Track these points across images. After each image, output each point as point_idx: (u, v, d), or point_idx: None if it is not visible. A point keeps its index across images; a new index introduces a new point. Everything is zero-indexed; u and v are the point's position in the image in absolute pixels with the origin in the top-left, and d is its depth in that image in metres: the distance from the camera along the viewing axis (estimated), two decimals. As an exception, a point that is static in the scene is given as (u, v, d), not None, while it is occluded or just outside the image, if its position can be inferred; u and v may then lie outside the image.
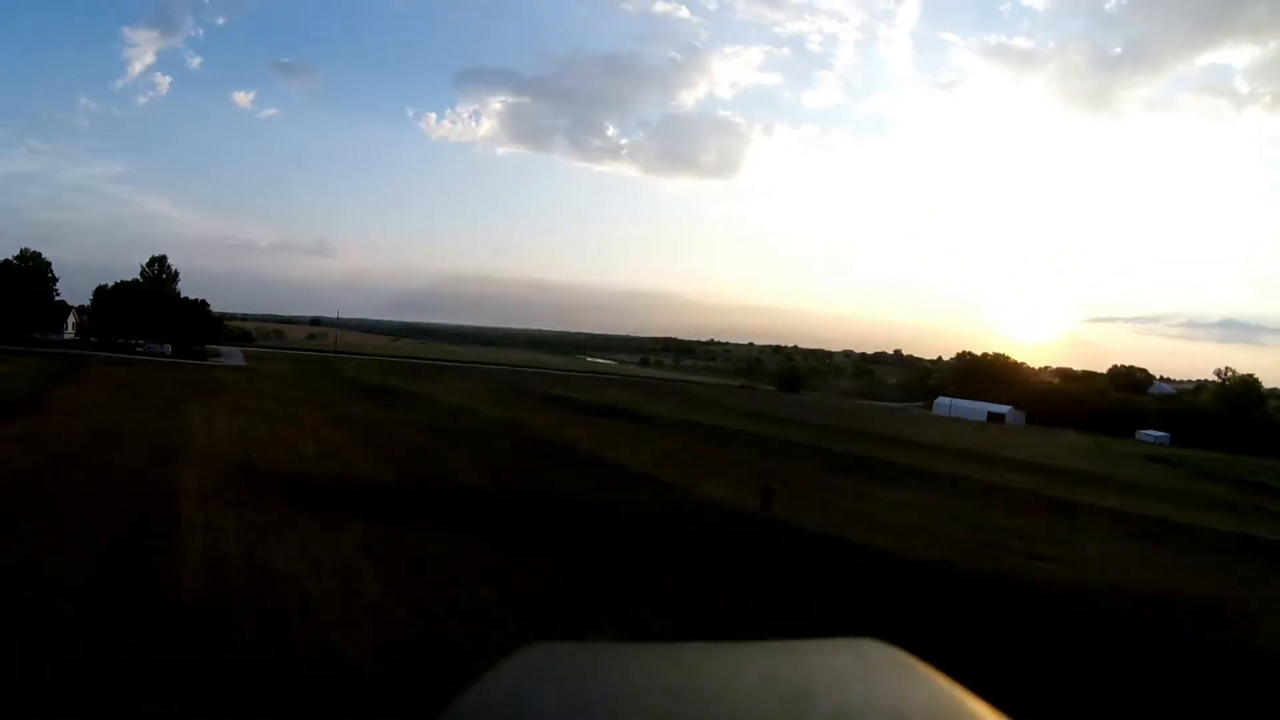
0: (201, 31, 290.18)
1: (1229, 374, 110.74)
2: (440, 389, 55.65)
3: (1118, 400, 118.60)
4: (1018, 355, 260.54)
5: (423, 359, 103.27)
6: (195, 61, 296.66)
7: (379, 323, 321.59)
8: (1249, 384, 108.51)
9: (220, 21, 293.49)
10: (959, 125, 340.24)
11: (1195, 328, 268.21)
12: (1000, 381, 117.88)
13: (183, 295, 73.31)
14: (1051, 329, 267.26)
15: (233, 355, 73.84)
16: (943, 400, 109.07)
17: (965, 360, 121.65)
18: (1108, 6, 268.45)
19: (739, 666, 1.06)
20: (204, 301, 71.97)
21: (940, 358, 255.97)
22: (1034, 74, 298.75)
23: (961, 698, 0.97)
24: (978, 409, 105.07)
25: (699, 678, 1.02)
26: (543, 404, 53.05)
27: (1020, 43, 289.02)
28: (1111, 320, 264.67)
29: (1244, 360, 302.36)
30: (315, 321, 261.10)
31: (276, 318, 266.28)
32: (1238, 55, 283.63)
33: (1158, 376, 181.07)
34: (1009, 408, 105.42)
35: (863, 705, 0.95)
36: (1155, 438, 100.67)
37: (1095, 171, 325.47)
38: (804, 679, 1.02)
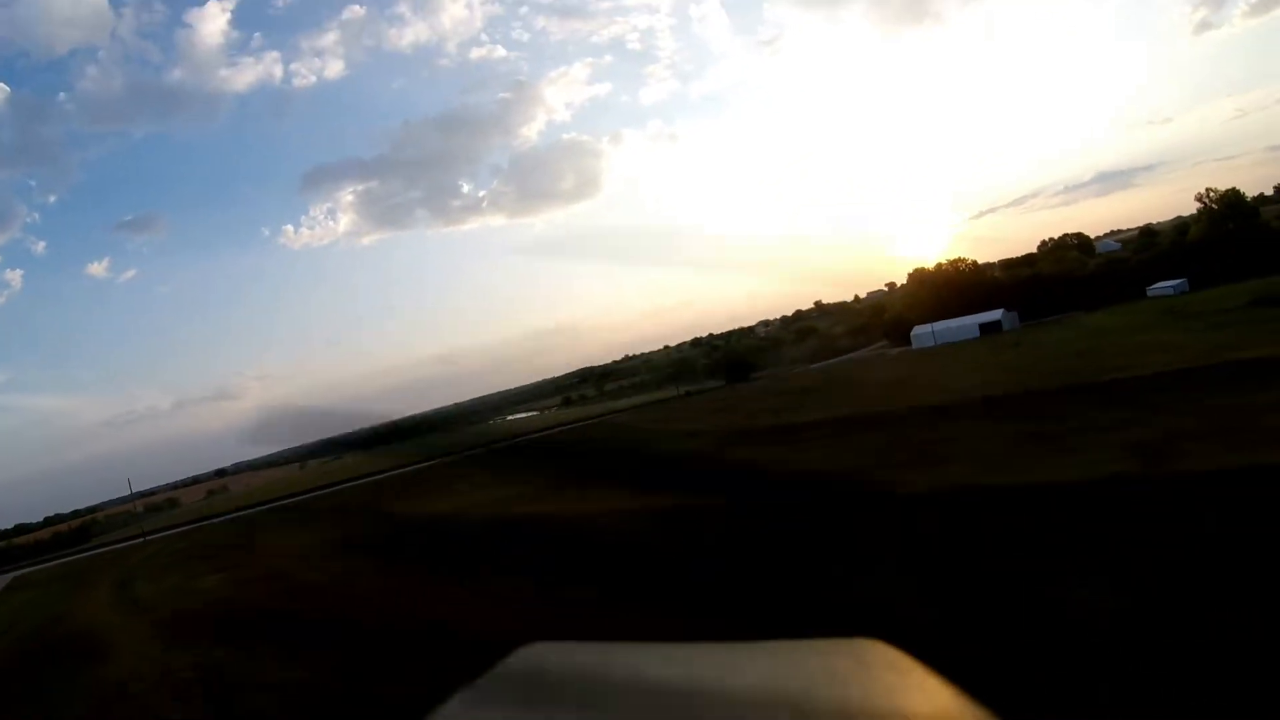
0: (37, 215, 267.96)
1: (1210, 195, 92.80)
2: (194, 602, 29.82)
3: (1104, 264, 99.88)
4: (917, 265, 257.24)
5: (286, 497, 75.62)
6: (40, 247, 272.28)
7: (297, 450, 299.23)
8: (1233, 200, 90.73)
9: (52, 200, 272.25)
10: (793, 77, 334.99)
11: (1073, 190, 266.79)
12: (963, 291, 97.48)
13: None
14: (943, 236, 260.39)
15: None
16: (920, 329, 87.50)
17: (920, 279, 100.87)
18: None
19: (738, 667, 1.05)
20: None
21: (857, 296, 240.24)
22: (848, 6, 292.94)
23: (959, 700, 0.95)
24: (966, 325, 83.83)
25: (698, 678, 0.99)
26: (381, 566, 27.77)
27: None
28: (994, 210, 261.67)
29: (1124, 204, 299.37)
30: (220, 473, 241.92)
31: (192, 479, 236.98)
32: None
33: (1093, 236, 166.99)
34: (1000, 312, 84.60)
35: (861, 706, 0.94)
36: (1174, 287, 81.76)
37: (936, 79, 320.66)
38: (803, 679, 1.01)
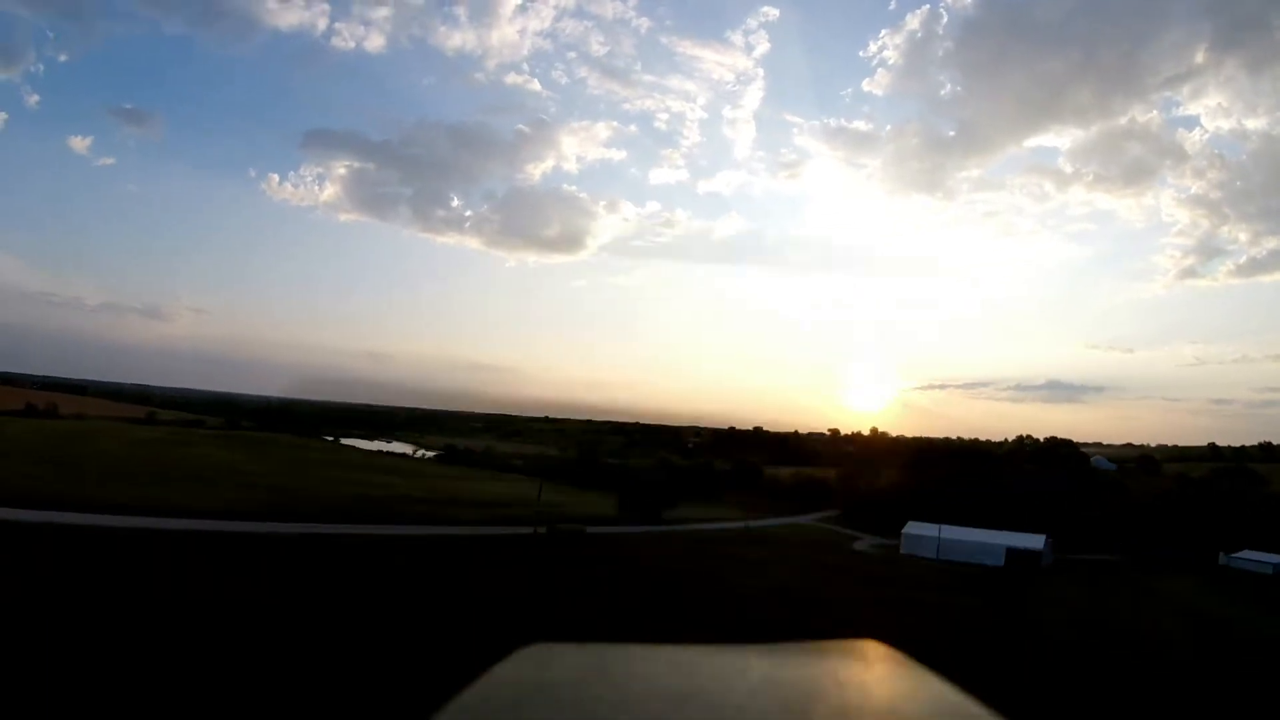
0: (42, 68, 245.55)
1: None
2: None
3: (1150, 500, 72.32)
4: (854, 422, 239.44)
5: None
6: (33, 100, 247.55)
7: (194, 392, 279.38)
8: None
9: (63, 59, 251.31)
10: (799, 203, 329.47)
11: (1023, 389, 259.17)
12: (971, 479, 69.00)
13: None
14: (884, 396, 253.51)
15: None
16: (918, 528, 57.55)
17: (920, 450, 71.96)
18: (942, 93, 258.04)
19: (739, 669, 1.02)
20: None
21: (796, 432, 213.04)
22: (872, 155, 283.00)
23: (961, 700, 0.93)
24: (988, 545, 54.41)
25: (699, 680, 0.97)
26: None
27: (860, 125, 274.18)
28: (945, 387, 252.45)
29: (1067, 415, 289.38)
30: (79, 389, 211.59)
31: (55, 381, 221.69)
32: (1063, 138, 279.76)
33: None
34: (1042, 539, 55.41)
35: (862, 707, 0.91)
36: (1275, 565, 54.34)
37: (927, 247, 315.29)
38: (804, 681, 0.98)
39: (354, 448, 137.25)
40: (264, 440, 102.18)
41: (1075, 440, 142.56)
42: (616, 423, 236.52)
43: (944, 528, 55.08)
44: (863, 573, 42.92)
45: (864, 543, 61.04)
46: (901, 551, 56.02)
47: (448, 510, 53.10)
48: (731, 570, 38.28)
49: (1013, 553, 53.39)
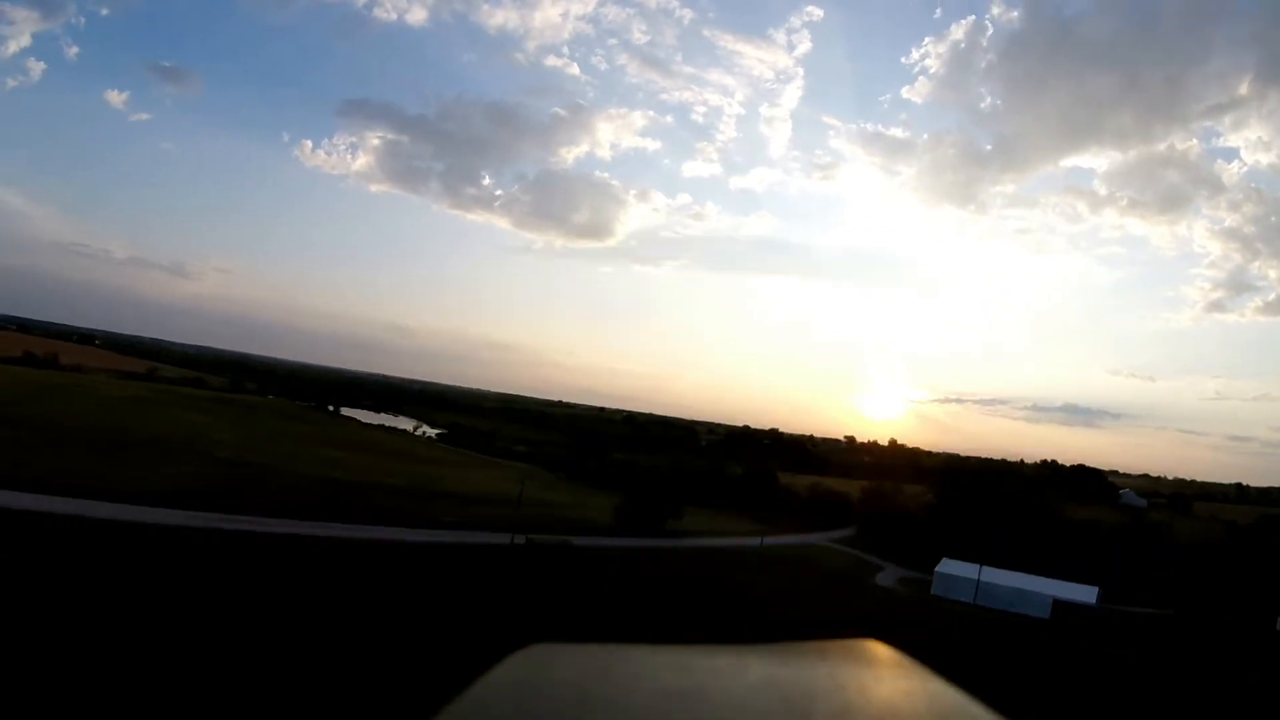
0: (83, 20, 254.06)
1: None
2: None
3: (1182, 538, 65.28)
4: (869, 429, 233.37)
5: None
6: (73, 51, 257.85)
7: (211, 350, 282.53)
8: None
9: (104, 13, 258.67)
10: (830, 205, 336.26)
11: (1040, 410, 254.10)
12: (1007, 506, 62.20)
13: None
14: (899, 407, 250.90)
15: None
16: (953, 566, 50.78)
17: (952, 469, 65.20)
18: (982, 105, 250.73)
19: (739, 668, 1.02)
20: None
21: (812, 436, 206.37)
22: (907, 163, 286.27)
23: (961, 700, 0.92)
24: (1033, 592, 47.72)
25: (699, 679, 0.97)
26: None
27: (897, 132, 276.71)
28: (961, 401, 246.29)
29: (1080, 440, 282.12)
30: (88, 338, 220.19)
31: (64, 328, 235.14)
32: (1100, 160, 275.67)
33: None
34: (1094, 591, 48.77)
35: (862, 707, 0.91)
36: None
37: (955, 259, 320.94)
38: (804, 681, 0.98)
39: (352, 420, 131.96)
40: (252, 405, 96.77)
41: (1091, 466, 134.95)
42: (630, 412, 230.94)
43: (985, 570, 48.36)
44: (894, 621, 36.49)
45: (889, 575, 54.49)
46: (933, 592, 49.45)
47: (421, 506, 47.13)
48: (733, 609, 32.03)
49: (1060, 604, 46.68)
